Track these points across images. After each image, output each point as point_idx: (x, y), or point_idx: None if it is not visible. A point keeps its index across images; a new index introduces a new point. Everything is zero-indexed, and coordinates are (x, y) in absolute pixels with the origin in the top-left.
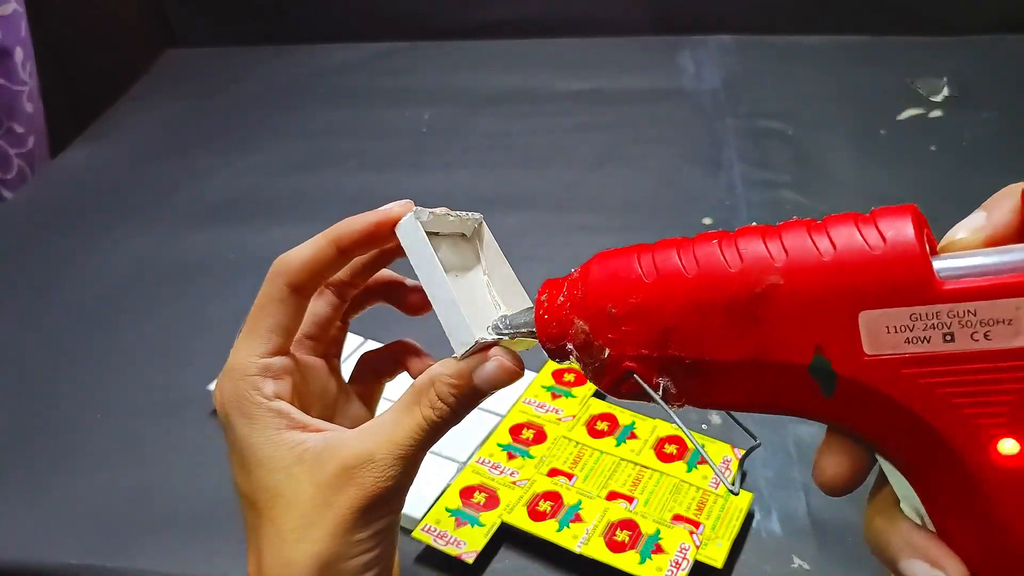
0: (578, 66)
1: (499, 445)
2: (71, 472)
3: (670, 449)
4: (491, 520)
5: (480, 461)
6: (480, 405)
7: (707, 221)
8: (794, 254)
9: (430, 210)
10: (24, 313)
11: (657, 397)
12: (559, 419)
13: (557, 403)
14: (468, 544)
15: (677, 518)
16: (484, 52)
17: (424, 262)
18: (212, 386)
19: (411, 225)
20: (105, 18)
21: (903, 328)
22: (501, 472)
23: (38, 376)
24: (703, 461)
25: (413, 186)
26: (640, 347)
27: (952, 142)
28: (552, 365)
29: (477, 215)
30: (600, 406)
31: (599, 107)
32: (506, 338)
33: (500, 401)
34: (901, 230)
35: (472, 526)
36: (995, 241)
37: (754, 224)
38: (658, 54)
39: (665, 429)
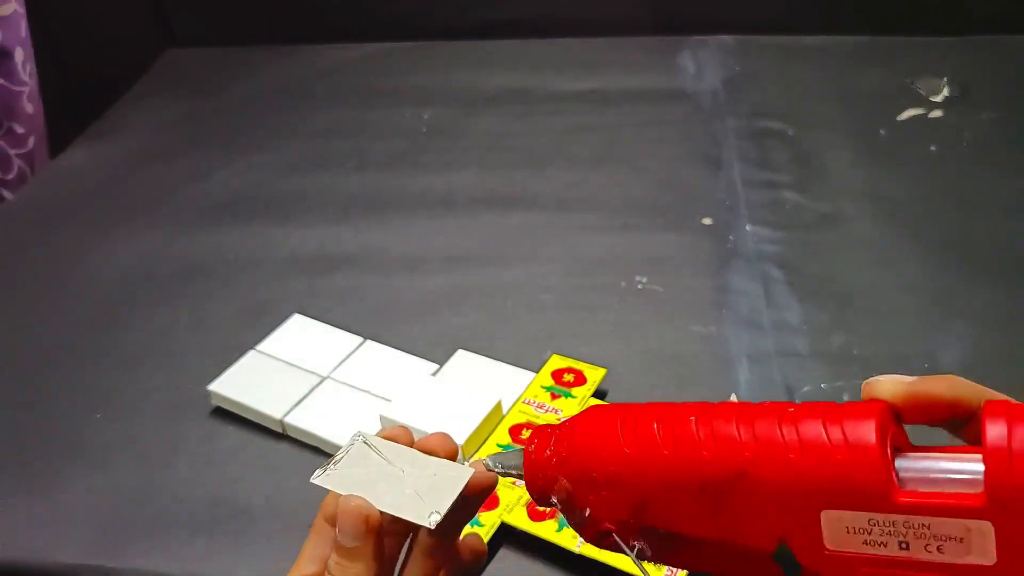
0: (578, 66)
1: (499, 446)
2: (71, 472)
3: None
4: (491, 520)
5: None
6: (479, 405)
7: (707, 221)
8: (763, 445)
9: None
10: (24, 313)
11: (633, 556)
12: (559, 419)
13: (556, 403)
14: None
15: None
16: (484, 52)
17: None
18: (212, 386)
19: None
20: (105, 18)
21: (862, 531)
22: None
23: (38, 376)
24: None
25: (413, 186)
26: (618, 512)
27: (952, 142)
28: (552, 365)
29: None
30: None
31: (599, 107)
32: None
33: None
34: (864, 434)
35: (472, 526)
36: (911, 403)
37: (732, 399)
38: (658, 54)
39: None
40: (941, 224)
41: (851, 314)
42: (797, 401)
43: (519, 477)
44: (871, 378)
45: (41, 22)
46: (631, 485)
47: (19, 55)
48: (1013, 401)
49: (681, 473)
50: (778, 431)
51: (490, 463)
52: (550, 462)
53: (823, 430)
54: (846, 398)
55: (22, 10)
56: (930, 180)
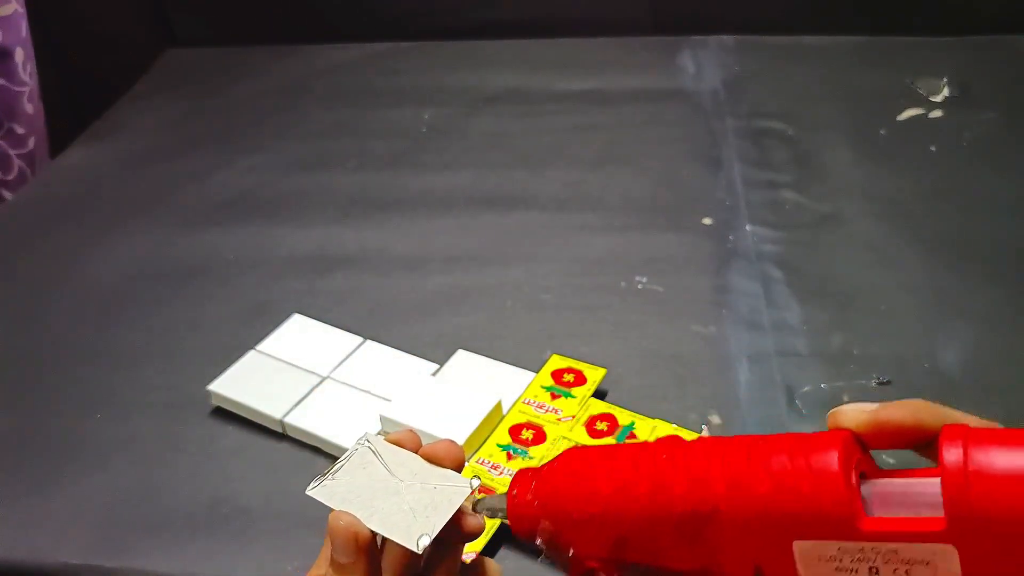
0: (578, 66)
1: (499, 446)
2: (71, 472)
3: None
4: (491, 520)
5: (480, 461)
6: (479, 405)
7: (707, 221)
8: (733, 480)
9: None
10: (24, 313)
11: None
12: (558, 419)
13: (556, 403)
14: (468, 544)
15: None
16: (484, 52)
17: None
18: (212, 386)
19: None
20: (105, 18)
21: (832, 558)
22: (500, 472)
23: (38, 376)
24: None
25: (413, 186)
26: (599, 550)
27: (952, 142)
28: (552, 365)
29: None
30: (599, 406)
31: (599, 107)
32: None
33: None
34: (828, 464)
35: None
36: (875, 431)
37: (704, 434)
38: (658, 54)
39: (664, 430)
40: (941, 224)
41: (851, 314)
42: (797, 401)
43: (504, 520)
44: (835, 408)
45: (41, 22)
46: (610, 524)
47: (19, 55)
48: (972, 424)
49: (657, 510)
50: (747, 465)
51: (476, 508)
52: (532, 505)
53: (789, 462)
54: (846, 399)
55: (22, 10)
56: (930, 180)
